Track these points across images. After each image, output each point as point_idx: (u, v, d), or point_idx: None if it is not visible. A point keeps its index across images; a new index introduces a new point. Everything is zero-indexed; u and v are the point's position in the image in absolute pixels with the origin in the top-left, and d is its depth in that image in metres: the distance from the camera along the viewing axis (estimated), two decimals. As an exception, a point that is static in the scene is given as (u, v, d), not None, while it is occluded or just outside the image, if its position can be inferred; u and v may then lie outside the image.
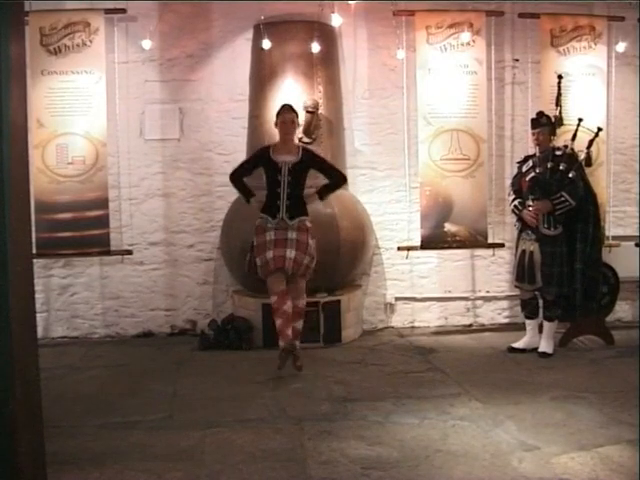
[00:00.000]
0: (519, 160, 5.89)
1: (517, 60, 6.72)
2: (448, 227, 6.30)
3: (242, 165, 5.39)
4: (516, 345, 5.70)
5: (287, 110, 5.16)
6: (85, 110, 6.01)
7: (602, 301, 6.03)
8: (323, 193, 5.21)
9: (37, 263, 5.85)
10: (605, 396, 4.48)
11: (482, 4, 6.49)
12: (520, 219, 5.64)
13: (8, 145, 2.75)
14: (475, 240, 6.37)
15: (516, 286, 5.77)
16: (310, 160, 5.14)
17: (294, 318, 5.04)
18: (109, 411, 4.35)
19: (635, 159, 6.81)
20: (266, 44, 6.06)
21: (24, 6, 3.16)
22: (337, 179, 5.26)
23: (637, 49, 6.67)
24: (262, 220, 5.08)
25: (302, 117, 6.00)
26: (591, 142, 5.86)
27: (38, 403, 3.04)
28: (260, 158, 5.20)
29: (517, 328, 6.09)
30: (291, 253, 4.94)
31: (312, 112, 5.97)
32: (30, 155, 3.64)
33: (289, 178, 5.00)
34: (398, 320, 6.74)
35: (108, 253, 6.12)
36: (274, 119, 5.24)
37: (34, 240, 5.09)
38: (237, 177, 5.28)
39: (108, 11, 6.06)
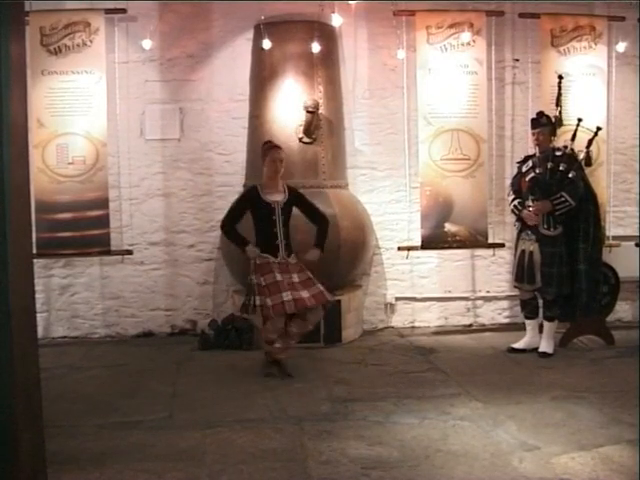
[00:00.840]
0: (519, 160, 5.89)
1: (517, 60, 6.72)
2: (448, 227, 6.30)
3: (231, 213, 5.22)
4: (516, 345, 5.70)
5: (276, 149, 5.15)
6: (85, 110, 6.01)
7: (602, 301, 6.03)
8: (321, 243, 5.14)
9: (37, 263, 5.85)
10: (605, 396, 4.48)
11: (482, 4, 6.49)
12: (520, 219, 5.64)
13: (8, 145, 2.75)
14: (475, 240, 6.37)
15: (515, 286, 5.78)
16: (296, 199, 5.14)
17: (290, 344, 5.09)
18: (109, 411, 4.35)
19: (635, 159, 6.81)
20: (266, 44, 6.06)
21: (24, 6, 3.16)
22: (322, 223, 5.20)
23: (637, 49, 6.67)
24: (265, 258, 4.98)
25: (302, 117, 6.02)
26: (590, 141, 5.86)
27: (38, 403, 3.05)
28: (249, 201, 5.13)
29: (517, 328, 6.09)
30: (305, 293, 4.89)
31: (312, 112, 5.97)
32: (30, 155, 3.64)
33: (282, 217, 5.01)
34: (398, 320, 6.75)
35: (108, 253, 6.12)
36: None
37: (34, 240, 5.09)
38: (229, 227, 5.13)
39: (108, 11, 6.06)
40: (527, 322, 5.74)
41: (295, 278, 4.92)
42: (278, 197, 5.04)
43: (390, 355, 5.70)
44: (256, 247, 5.02)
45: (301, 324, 5.00)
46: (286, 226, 5.03)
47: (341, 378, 5.00)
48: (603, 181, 6.45)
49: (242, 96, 6.45)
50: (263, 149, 5.22)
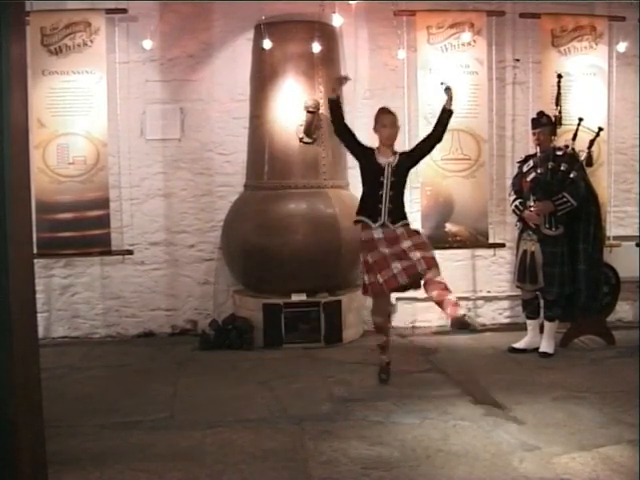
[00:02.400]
0: (519, 160, 5.88)
1: (518, 60, 6.71)
2: (449, 227, 6.30)
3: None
4: (517, 345, 5.70)
5: (385, 114, 4.84)
6: (86, 110, 6.01)
7: (603, 301, 6.03)
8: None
9: (38, 263, 5.84)
10: (606, 396, 4.48)
11: (483, 4, 6.49)
12: (521, 219, 5.64)
13: (9, 145, 2.75)
14: (476, 240, 6.37)
15: (517, 286, 5.78)
16: (406, 156, 4.80)
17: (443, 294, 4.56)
18: (110, 411, 4.35)
19: (635, 159, 6.80)
20: (267, 44, 6.05)
21: (25, 6, 3.17)
22: (438, 127, 4.79)
23: (637, 49, 6.67)
24: (369, 232, 4.70)
25: (303, 117, 6.01)
26: (592, 142, 5.86)
27: (39, 403, 3.05)
28: (366, 153, 4.81)
29: (518, 328, 6.09)
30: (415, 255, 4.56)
31: (313, 112, 5.97)
32: (31, 155, 3.64)
33: (391, 179, 4.70)
34: (399, 320, 6.74)
35: (109, 253, 6.12)
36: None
37: (35, 240, 5.08)
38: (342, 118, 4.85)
39: (109, 11, 6.06)
40: (528, 322, 5.74)
41: (404, 244, 4.60)
42: (389, 159, 4.74)
43: (391, 355, 5.69)
44: (361, 215, 4.77)
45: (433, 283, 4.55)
46: (394, 190, 4.70)
47: (342, 378, 5.00)
48: (604, 181, 6.45)
49: (243, 96, 6.45)
50: (375, 116, 4.93)
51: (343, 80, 5.25)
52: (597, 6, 6.67)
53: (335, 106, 4.81)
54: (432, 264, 4.52)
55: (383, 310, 4.89)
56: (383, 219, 4.67)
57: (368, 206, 4.75)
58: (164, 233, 6.55)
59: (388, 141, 4.78)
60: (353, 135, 4.85)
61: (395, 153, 4.80)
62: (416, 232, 4.78)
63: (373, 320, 4.95)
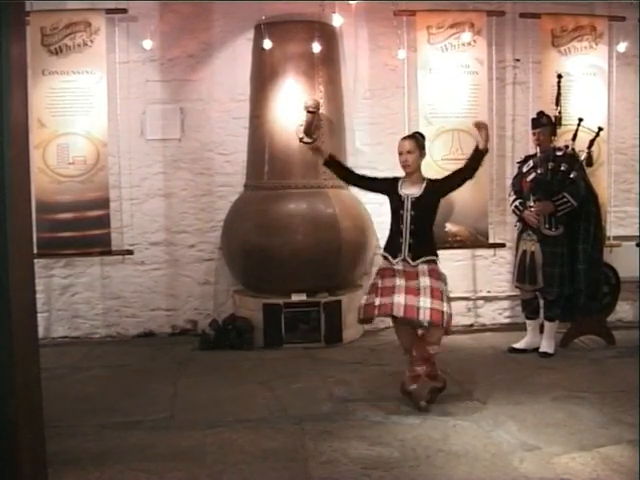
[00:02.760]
0: (519, 160, 5.89)
1: (518, 60, 6.71)
2: (449, 227, 6.30)
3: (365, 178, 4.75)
4: (517, 345, 5.70)
5: (401, 141, 4.53)
6: (86, 110, 6.01)
7: (603, 301, 6.03)
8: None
9: (38, 263, 5.84)
10: (606, 396, 4.48)
11: (483, 4, 6.49)
12: (521, 219, 5.64)
13: (9, 145, 2.75)
14: (476, 240, 6.37)
15: (516, 286, 5.77)
16: (434, 189, 4.47)
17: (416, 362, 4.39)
18: (110, 411, 4.35)
19: (635, 159, 6.80)
20: (267, 44, 6.05)
21: (25, 6, 3.17)
22: (471, 163, 4.43)
23: (637, 49, 6.67)
24: (388, 263, 4.44)
25: (303, 117, 6.01)
26: (592, 142, 5.86)
27: (39, 403, 3.05)
28: (389, 184, 4.55)
29: (518, 328, 6.09)
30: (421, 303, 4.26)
31: (313, 112, 5.96)
32: (31, 155, 3.64)
33: (412, 213, 4.38)
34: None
35: (109, 253, 6.12)
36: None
37: (35, 240, 5.09)
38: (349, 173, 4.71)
39: (109, 11, 6.06)
40: (528, 322, 5.74)
41: (421, 282, 4.28)
42: (412, 190, 4.44)
43: (391, 355, 5.69)
44: (384, 251, 4.52)
45: (420, 346, 4.40)
46: (415, 224, 4.37)
47: (342, 378, 5.00)
48: (604, 181, 6.44)
49: (243, 96, 6.45)
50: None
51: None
52: (597, 6, 6.67)
53: (331, 165, 4.67)
54: (438, 320, 4.19)
55: (405, 339, 4.51)
56: (403, 254, 4.37)
57: (391, 240, 4.50)
58: (164, 233, 6.55)
59: (405, 169, 4.47)
60: (367, 178, 4.70)
61: (423, 181, 4.46)
62: (438, 273, 4.37)
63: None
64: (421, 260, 4.34)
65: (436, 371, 4.43)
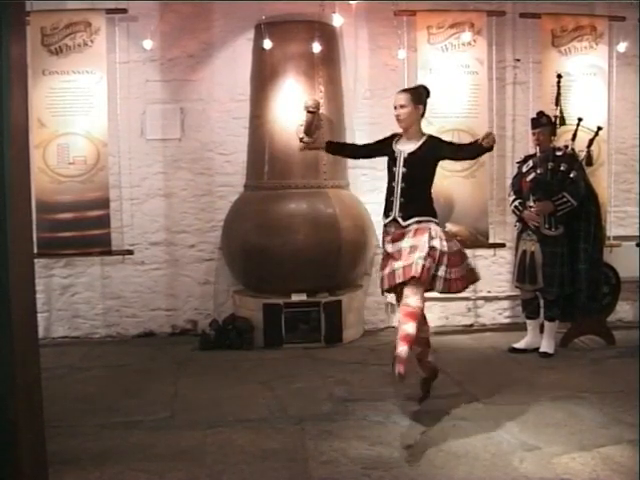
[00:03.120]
0: (519, 160, 5.89)
1: (518, 60, 6.71)
2: (449, 227, 6.28)
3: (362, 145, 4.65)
4: (517, 345, 5.70)
5: (396, 95, 4.35)
6: (86, 110, 6.01)
7: (603, 301, 6.03)
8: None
9: (38, 263, 5.84)
10: (606, 396, 4.48)
11: (483, 4, 6.49)
12: (521, 220, 5.64)
13: (9, 145, 2.75)
14: (476, 240, 6.36)
15: (517, 286, 5.78)
16: (431, 148, 4.22)
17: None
18: (110, 411, 4.35)
19: (635, 159, 6.80)
20: (267, 44, 6.05)
21: (25, 6, 3.17)
22: (472, 149, 4.18)
23: (637, 49, 6.67)
24: (386, 226, 4.28)
25: (303, 117, 6.00)
26: (591, 141, 5.86)
27: (39, 403, 3.05)
28: (386, 143, 4.39)
29: (518, 328, 6.09)
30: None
31: (313, 112, 5.91)
32: (31, 155, 3.64)
33: (404, 170, 4.17)
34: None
35: (109, 253, 6.12)
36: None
37: (35, 240, 5.09)
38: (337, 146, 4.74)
39: (109, 11, 6.06)
40: (528, 322, 5.74)
41: (404, 243, 4.06)
42: (406, 146, 4.24)
43: (391, 355, 5.68)
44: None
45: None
46: (406, 181, 4.15)
47: (342, 378, 5.00)
48: (604, 181, 6.44)
49: (243, 96, 6.45)
50: None
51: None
52: (597, 6, 6.67)
53: (333, 151, 4.69)
54: (408, 274, 3.92)
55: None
56: (394, 214, 4.19)
57: (386, 200, 4.31)
58: (164, 233, 6.55)
59: (399, 124, 4.28)
60: (369, 146, 4.61)
61: (421, 137, 4.26)
62: (424, 229, 4.05)
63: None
64: (412, 221, 4.11)
65: (427, 356, 4.29)
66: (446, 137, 4.43)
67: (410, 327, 3.90)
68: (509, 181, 6.14)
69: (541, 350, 5.56)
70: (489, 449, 3.67)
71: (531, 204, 5.51)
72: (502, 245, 6.53)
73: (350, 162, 6.57)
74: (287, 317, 5.93)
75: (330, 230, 5.89)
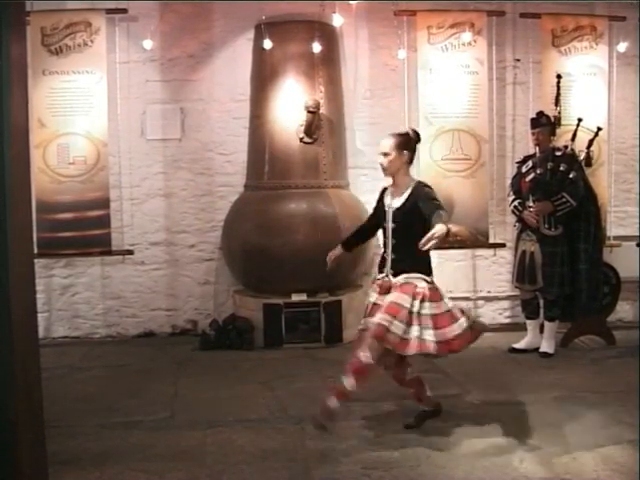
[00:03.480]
0: (518, 160, 5.89)
1: (518, 60, 6.71)
2: (449, 227, 6.28)
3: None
4: (517, 345, 5.70)
5: (382, 140, 4.08)
6: (86, 110, 6.01)
7: (603, 301, 6.03)
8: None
9: (38, 263, 5.83)
10: (606, 396, 4.48)
11: (483, 4, 6.49)
12: (520, 220, 5.64)
13: (9, 145, 2.76)
14: (476, 240, 6.35)
15: (516, 287, 5.78)
16: (415, 202, 3.95)
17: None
18: (110, 411, 4.35)
19: (635, 159, 6.80)
20: (267, 44, 6.05)
21: (25, 6, 3.17)
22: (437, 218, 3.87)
23: (637, 49, 6.66)
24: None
25: (303, 117, 6.01)
26: (591, 142, 5.87)
27: (39, 403, 3.05)
28: (378, 204, 4.22)
29: (518, 328, 6.09)
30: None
31: (313, 112, 5.97)
32: (31, 155, 3.64)
33: (393, 226, 3.98)
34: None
35: (109, 253, 6.12)
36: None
37: (35, 240, 5.09)
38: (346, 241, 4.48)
39: (109, 11, 6.06)
40: (528, 322, 5.74)
41: (389, 297, 3.85)
42: (394, 201, 4.02)
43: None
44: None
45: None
46: (397, 237, 3.96)
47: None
48: (604, 181, 6.44)
49: (243, 96, 6.45)
50: None
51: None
52: (597, 6, 6.67)
53: (352, 245, 4.48)
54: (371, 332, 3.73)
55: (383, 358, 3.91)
56: (386, 271, 3.98)
57: (382, 254, 4.12)
58: (164, 233, 6.55)
59: (384, 172, 4.05)
60: (371, 217, 4.38)
61: (408, 188, 3.99)
62: (410, 288, 3.84)
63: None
64: (401, 277, 3.89)
65: (424, 392, 4.12)
66: (430, 191, 4.07)
67: (348, 383, 3.70)
68: (509, 181, 6.14)
69: (541, 350, 5.56)
70: (489, 449, 3.67)
71: (530, 204, 5.51)
72: (502, 245, 6.52)
73: (350, 162, 6.57)
74: (287, 317, 5.93)
75: (330, 230, 5.89)
